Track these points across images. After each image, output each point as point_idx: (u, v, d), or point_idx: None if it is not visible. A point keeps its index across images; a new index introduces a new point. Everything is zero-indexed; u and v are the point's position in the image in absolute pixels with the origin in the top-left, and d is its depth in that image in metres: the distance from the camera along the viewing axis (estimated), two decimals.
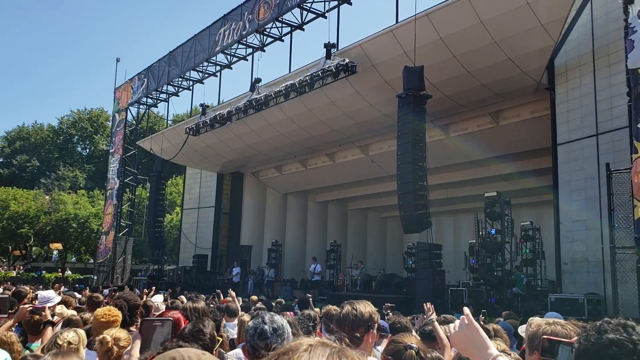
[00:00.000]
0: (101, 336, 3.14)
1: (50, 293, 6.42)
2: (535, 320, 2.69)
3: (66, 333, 3.56)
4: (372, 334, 3.02)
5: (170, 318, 1.89)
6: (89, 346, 3.81)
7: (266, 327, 2.69)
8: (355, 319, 2.97)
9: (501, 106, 17.55)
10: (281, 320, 2.79)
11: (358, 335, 2.96)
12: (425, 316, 5.26)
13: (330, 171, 25.10)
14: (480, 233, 18.24)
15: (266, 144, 23.23)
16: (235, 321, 6.85)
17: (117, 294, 5.28)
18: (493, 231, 16.36)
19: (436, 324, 4.74)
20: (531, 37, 13.81)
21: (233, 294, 8.29)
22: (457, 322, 1.87)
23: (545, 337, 1.93)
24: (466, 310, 1.96)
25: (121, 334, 3.25)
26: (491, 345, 1.78)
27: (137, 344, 1.71)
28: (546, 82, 15.20)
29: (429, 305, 5.16)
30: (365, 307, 3.04)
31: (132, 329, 4.12)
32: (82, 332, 3.75)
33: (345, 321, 2.96)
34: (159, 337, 1.83)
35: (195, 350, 1.24)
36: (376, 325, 3.06)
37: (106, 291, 14.79)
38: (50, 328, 4.53)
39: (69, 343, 3.41)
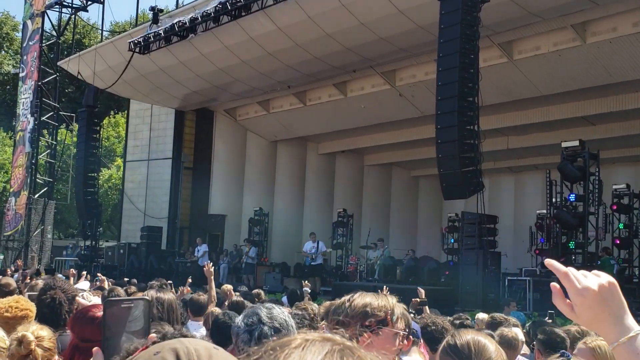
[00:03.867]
0: (20, 334, 3.20)
1: None
2: None
3: None
4: (381, 337, 3.11)
5: (145, 297, 1.97)
6: None
7: (266, 328, 2.75)
8: (357, 312, 3.07)
9: (590, 16, 17.33)
10: (282, 314, 2.86)
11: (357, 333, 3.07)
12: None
13: (339, 109, 25.02)
14: (554, 200, 18.32)
15: (247, 68, 23.09)
16: (201, 321, 6.98)
17: (39, 282, 5.36)
18: (572, 197, 16.42)
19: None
20: None
21: (211, 272, 8.37)
22: (590, 279, 1.77)
23: None
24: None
25: (44, 331, 3.32)
26: (629, 312, 1.76)
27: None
28: None
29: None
30: (378, 299, 3.14)
31: (69, 331, 4.20)
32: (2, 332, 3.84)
33: (335, 314, 3.08)
34: (133, 325, 1.88)
35: (204, 342, 1.30)
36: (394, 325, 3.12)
37: (16, 275, 15.02)
38: None
39: None
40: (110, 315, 1.92)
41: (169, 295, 4.07)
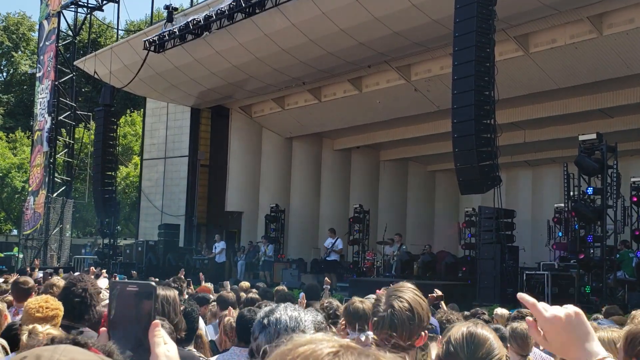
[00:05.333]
0: (31, 326, 3.23)
1: None
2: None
3: None
4: (422, 338, 3.14)
5: (151, 283, 1.99)
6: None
7: (283, 322, 2.73)
8: (414, 322, 3.02)
9: (606, 7, 17.19)
10: (299, 313, 2.84)
11: (410, 343, 3.05)
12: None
13: (354, 105, 25.00)
14: (572, 193, 18.21)
15: (262, 64, 23.11)
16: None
17: (69, 276, 5.38)
18: (590, 190, 16.30)
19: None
20: None
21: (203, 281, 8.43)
22: (557, 308, 1.95)
23: None
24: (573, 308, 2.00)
25: (55, 331, 3.34)
26: (596, 339, 1.86)
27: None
28: None
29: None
30: (422, 303, 3.13)
31: (86, 328, 4.20)
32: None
33: (398, 325, 3.00)
34: (140, 313, 1.91)
35: (81, 354, 1.27)
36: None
37: (40, 274, 15.14)
38: None
39: None
40: (115, 298, 1.95)
41: (167, 292, 4.06)
